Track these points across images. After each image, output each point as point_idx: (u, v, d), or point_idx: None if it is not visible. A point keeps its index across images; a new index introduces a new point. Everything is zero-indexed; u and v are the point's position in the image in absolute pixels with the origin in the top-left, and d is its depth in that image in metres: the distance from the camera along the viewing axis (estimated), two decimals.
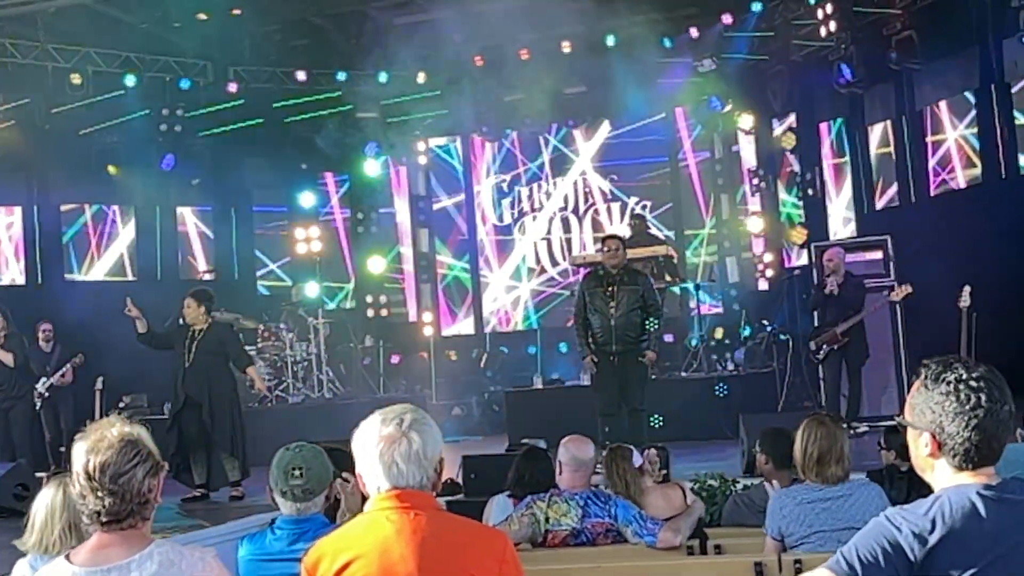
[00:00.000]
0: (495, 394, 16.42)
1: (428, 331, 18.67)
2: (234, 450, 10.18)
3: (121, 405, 14.34)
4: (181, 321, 10.89)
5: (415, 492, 3.01)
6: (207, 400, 10.14)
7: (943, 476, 2.70)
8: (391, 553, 2.91)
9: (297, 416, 13.98)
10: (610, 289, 10.08)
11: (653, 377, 13.22)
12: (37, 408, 12.64)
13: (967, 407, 2.62)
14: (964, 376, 2.65)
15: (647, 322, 10.09)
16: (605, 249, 10.37)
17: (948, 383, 2.66)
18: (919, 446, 2.75)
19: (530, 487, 6.02)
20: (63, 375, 13.10)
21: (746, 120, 16.62)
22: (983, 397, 2.62)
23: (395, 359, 17.95)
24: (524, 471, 6.29)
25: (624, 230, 16.89)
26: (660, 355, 14.34)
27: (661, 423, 11.55)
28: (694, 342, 14.60)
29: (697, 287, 14.95)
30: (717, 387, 12.94)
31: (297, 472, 4.13)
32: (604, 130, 18.37)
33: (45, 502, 4.49)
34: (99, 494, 3.04)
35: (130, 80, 15.49)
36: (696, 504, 5.87)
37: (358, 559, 2.93)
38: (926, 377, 2.73)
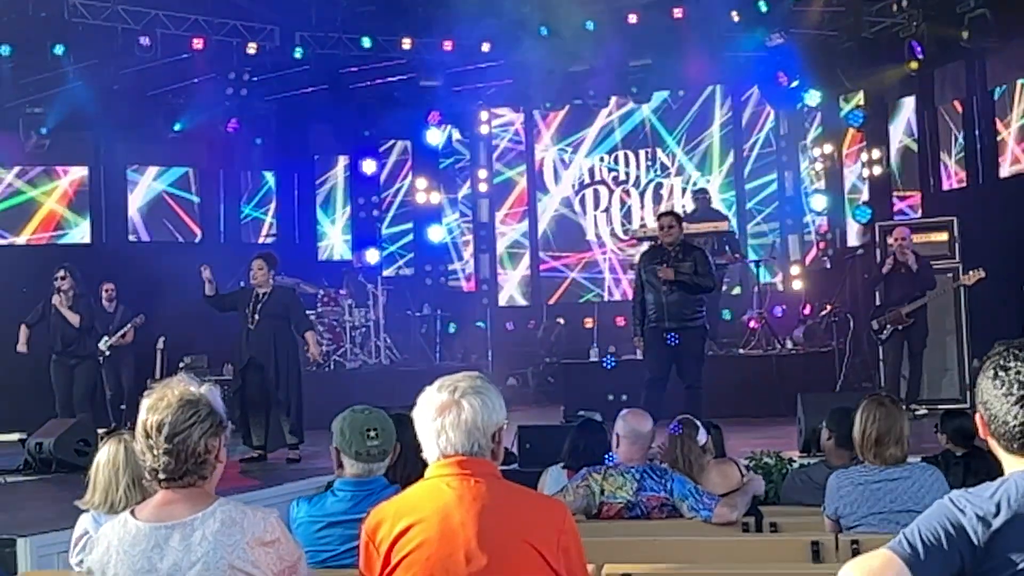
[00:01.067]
0: (551, 365, 16.46)
1: (485, 300, 18.72)
2: (292, 413, 10.28)
3: (181, 365, 14.52)
4: (242, 284, 11.00)
5: (476, 459, 3.03)
6: (270, 362, 10.23)
7: (1005, 459, 2.69)
8: (451, 519, 2.94)
9: (355, 382, 14.09)
10: (664, 266, 10.01)
11: (710, 354, 13.24)
12: (99, 367, 12.82)
13: (1003, 391, 2.62)
14: (1010, 363, 2.65)
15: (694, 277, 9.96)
16: (660, 226, 10.34)
17: (995, 367, 2.67)
18: (978, 426, 2.75)
19: (585, 459, 6.06)
20: (124, 335, 13.29)
21: (813, 96, 16.42)
22: (1019, 385, 2.61)
23: (452, 328, 18.01)
24: (579, 443, 6.34)
25: (688, 204, 16.83)
26: (719, 332, 14.37)
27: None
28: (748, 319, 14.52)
29: (757, 264, 14.84)
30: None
31: (373, 433, 4.16)
32: (669, 103, 18.24)
33: (106, 459, 4.57)
34: (155, 452, 3.09)
35: (198, 43, 15.59)
36: (753, 480, 5.86)
37: (418, 524, 2.96)
38: (986, 358, 2.74)
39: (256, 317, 10.25)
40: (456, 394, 3.04)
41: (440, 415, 3.03)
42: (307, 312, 11.69)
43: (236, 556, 3.06)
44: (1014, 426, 2.62)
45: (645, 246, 11.93)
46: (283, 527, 3.22)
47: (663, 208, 17.98)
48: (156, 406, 3.12)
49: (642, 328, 10.18)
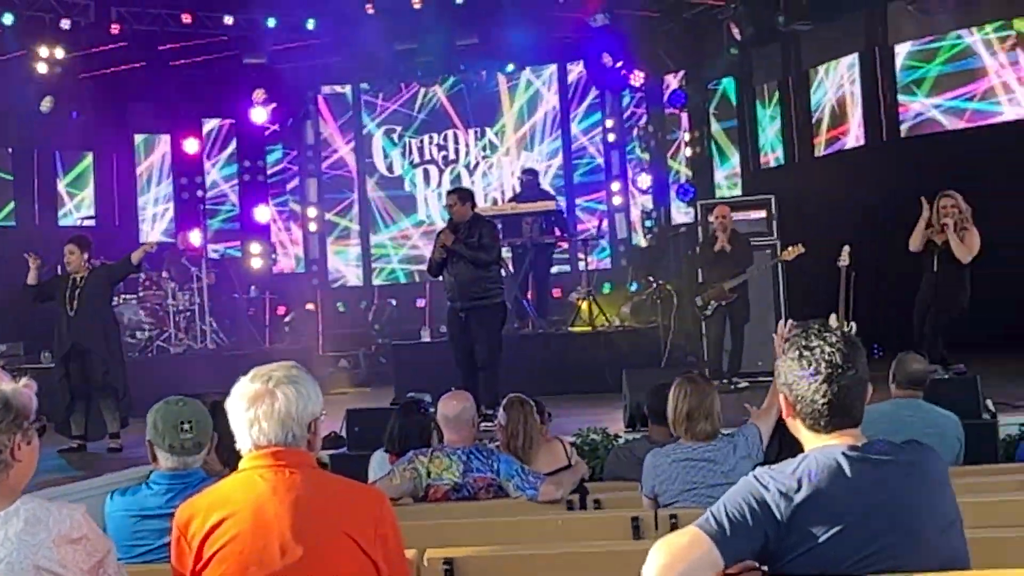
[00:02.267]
0: (382, 347, 16.39)
1: (315, 282, 18.54)
2: (119, 399, 9.99)
3: None
4: (59, 270, 10.63)
5: (291, 450, 2.99)
6: (92, 348, 9.93)
7: (806, 437, 2.80)
8: (265, 511, 2.89)
9: (179, 367, 13.78)
10: (447, 233, 9.97)
11: (540, 331, 13.38)
12: None
13: (810, 371, 2.73)
14: (813, 342, 2.76)
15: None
16: (446, 204, 10.25)
17: (798, 348, 2.77)
18: (781, 407, 2.84)
19: (402, 442, 6.02)
20: None
21: (637, 77, 16.70)
22: (825, 363, 2.72)
23: (281, 310, 17.77)
24: (397, 427, 6.28)
25: (516, 184, 16.94)
26: (549, 310, 14.53)
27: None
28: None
29: (584, 242, 15.06)
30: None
31: (187, 426, 4.06)
32: (496, 82, 18.32)
33: None
34: None
35: (7, 19, 14.96)
36: (580, 465, 5.93)
37: (231, 517, 2.90)
38: (786, 341, 2.83)
39: (75, 303, 9.91)
40: (270, 383, 3.00)
41: (253, 405, 2.98)
42: (126, 296, 11.29)
43: (41, 556, 2.96)
44: (821, 404, 2.72)
45: None
46: (90, 522, 3.12)
47: (493, 187, 18.13)
48: None
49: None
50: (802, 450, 2.80)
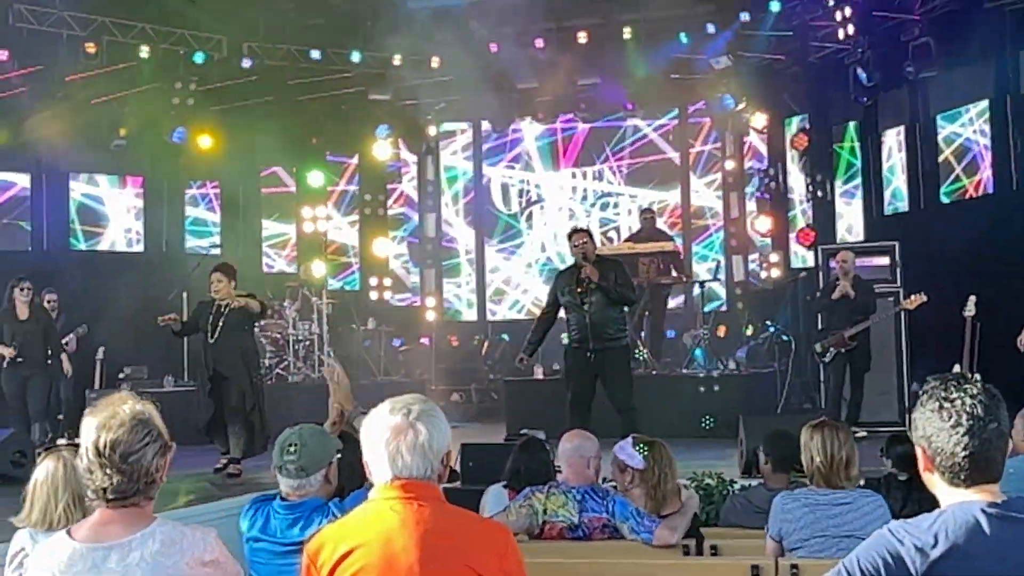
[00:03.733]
0: (495, 382, 16.46)
1: (431, 316, 18.71)
2: (252, 425, 10.17)
3: (121, 376, 14.39)
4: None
5: (420, 483, 3.02)
6: (230, 375, 10.17)
7: (943, 491, 2.73)
8: (393, 543, 2.92)
9: (297, 396, 13.99)
10: (583, 285, 9.73)
11: (654, 373, 13.29)
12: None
13: (950, 424, 2.66)
14: (953, 394, 2.69)
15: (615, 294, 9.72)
16: (572, 244, 9.89)
17: (937, 400, 2.70)
18: (918, 460, 2.78)
19: (526, 479, 6.02)
20: (67, 344, 13.10)
21: (759, 119, 16.60)
22: (967, 416, 2.65)
23: (396, 343, 17.97)
24: (520, 463, 6.29)
25: (633, 224, 16.93)
26: (663, 350, 14.43)
27: (713, 424, 11.61)
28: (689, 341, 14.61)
29: (702, 284, 14.96)
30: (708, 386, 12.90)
31: (292, 448, 4.15)
32: (616, 123, 18.35)
33: (45, 477, 4.49)
34: (108, 471, 3.05)
35: (144, 51, 15.47)
36: (691, 500, 5.84)
37: (360, 547, 2.94)
38: (923, 392, 2.77)
39: (217, 331, 10.15)
40: (410, 416, 3.03)
41: (396, 437, 3.01)
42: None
43: None
44: (962, 457, 2.65)
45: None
46: (222, 546, 3.20)
47: (609, 226, 18.13)
48: (108, 425, 3.08)
49: (534, 347, 10.18)
50: (933, 506, 2.74)
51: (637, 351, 13.39)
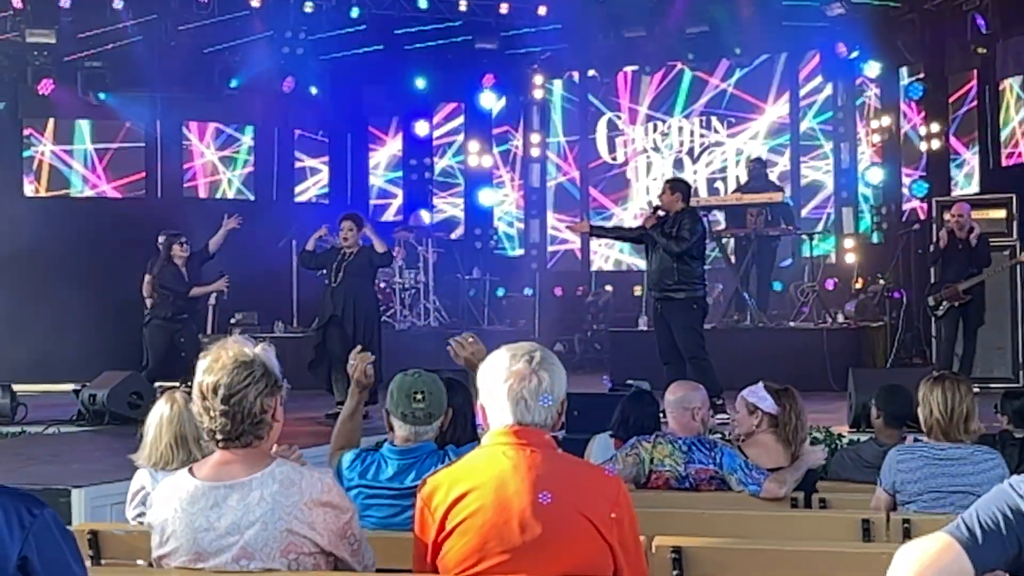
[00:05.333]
0: (598, 332, 16.47)
1: (534, 266, 18.73)
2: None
3: (232, 322, 14.70)
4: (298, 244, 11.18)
5: (532, 429, 3.04)
6: (350, 320, 10.52)
7: None
8: (506, 487, 2.95)
9: (404, 343, 14.14)
10: (650, 214, 10.12)
11: (760, 325, 13.16)
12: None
13: None
14: None
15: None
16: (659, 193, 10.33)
17: None
18: None
19: (634, 430, 6.02)
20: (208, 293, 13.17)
21: (872, 68, 16.21)
22: None
23: (500, 292, 18.05)
24: (629, 413, 6.30)
25: (742, 174, 16.74)
26: (770, 303, 14.27)
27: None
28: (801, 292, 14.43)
29: (811, 236, 14.74)
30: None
31: (419, 396, 4.14)
32: (725, 71, 18.07)
33: (154, 417, 4.66)
34: (212, 413, 3.12)
35: (255, 1, 15.64)
36: (808, 455, 5.74)
37: (473, 491, 2.98)
38: None
39: (340, 275, 10.57)
40: (532, 363, 3.06)
41: (520, 383, 3.04)
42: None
43: (294, 517, 3.10)
44: None
45: None
46: (339, 488, 3.26)
47: (719, 176, 17.93)
48: (211, 367, 3.15)
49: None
50: None
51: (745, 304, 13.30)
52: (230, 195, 17.15)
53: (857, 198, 17.19)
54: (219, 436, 3.15)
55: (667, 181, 10.51)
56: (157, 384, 10.93)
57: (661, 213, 10.03)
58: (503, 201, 19.32)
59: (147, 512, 3.50)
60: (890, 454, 5.12)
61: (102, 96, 15.72)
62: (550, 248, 19.22)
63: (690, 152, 18.39)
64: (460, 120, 19.01)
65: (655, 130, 18.62)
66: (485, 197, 18.84)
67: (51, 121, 16.31)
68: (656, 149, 18.59)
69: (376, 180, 18.67)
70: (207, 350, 3.26)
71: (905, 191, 16.02)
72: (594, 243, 18.48)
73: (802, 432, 5.74)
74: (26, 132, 16.27)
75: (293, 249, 14.03)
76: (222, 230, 11.66)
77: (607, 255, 18.75)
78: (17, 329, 14.69)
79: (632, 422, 6.17)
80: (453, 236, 18.58)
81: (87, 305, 14.56)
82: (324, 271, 10.91)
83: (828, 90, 17.49)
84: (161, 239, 11.80)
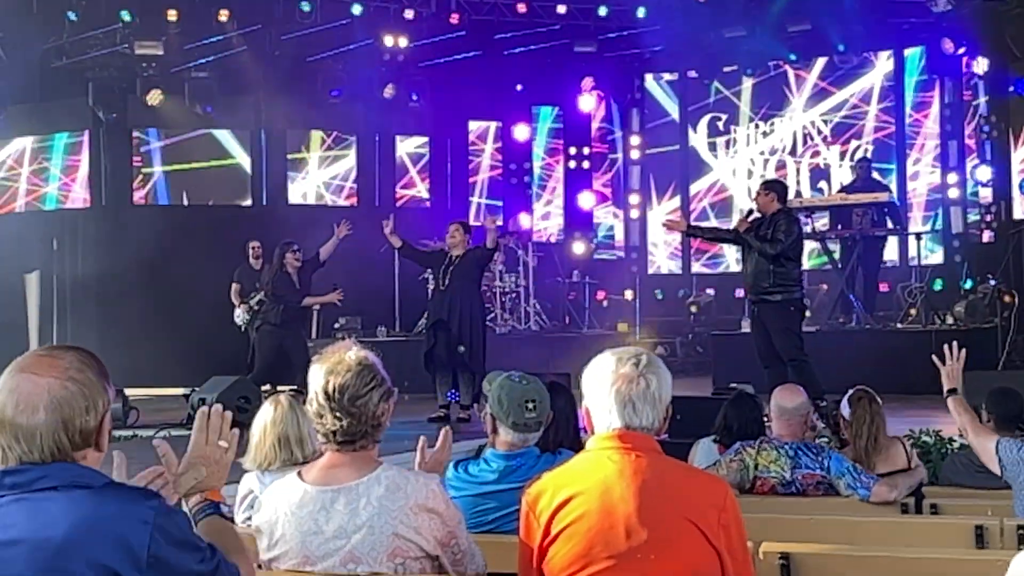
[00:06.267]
0: (700, 335, 16.34)
1: (634, 269, 18.64)
2: (473, 375, 10.56)
3: (336, 326, 14.89)
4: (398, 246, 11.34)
5: (637, 434, 3.02)
6: (455, 322, 10.64)
7: None
8: (611, 492, 2.94)
9: (505, 347, 14.13)
10: (744, 219, 10.19)
11: (867, 327, 12.93)
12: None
13: None
14: None
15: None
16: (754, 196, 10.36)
17: None
18: None
19: (738, 435, 5.98)
20: (320, 305, 13.38)
21: (980, 64, 15.83)
22: None
23: (600, 295, 17.99)
24: (732, 418, 6.24)
25: (846, 175, 16.50)
26: (877, 304, 14.00)
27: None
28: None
29: (918, 236, 14.45)
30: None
31: (531, 405, 4.13)
32: (827, 70, 17.80)
33: (260, 419, 4.75)
34: (337, 415, 3.17)
35: (356, 9, 15.82)
36: (919, 470, 5.69)
37: (578, 495, 2.97)
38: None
39: (447, 279, 10.71)
40: (640, 366, 3.05)
41: (628, 386, 3.03)
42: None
43: (400, 521, 3.13)
44: None
45: None
46: (444, 493, 3.27)
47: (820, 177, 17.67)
48: (336, 370, 3.20)
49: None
50: None
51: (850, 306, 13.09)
52: (329, 201, 17.35)
53: (965, 197, 16.80)
54: (340, 437, 3.20)
55: (763, 182, 10.55)
56: (264, 388, 11.19)
57: (756, 215, 10.01)
58: (602, 204, 19.26)
59: (255, 515, 3.55)
60: (1008, 452, 4.96)
61: (208, 108, 16.03)
62: (650, 251, 19.12)
63: (792, 152, 18.15)
64: (559, 124, 19.00)
65: (756, 130, 18.42)
66: (584, 200, 18.79)
67: (158, 132, 16.67)
68: (758, 150, 18.38)
69: (476, 184, 18.74)
70: (320, 354, 3.31)
71: (1015, 189, 15.61)
72: (655, 247, 18.44)
73: (872, 440, 5.67)
74: (135, 141, 16.64)
75: (395, 255, 14.16)
76: (333, 238, 11.90)
77: (659, 263, 18.71)
78: (131, 335, 15.02)
79: (735, 427, 6.11)
80: (552, 239, 18.58)
81: (195, 312, 14.89)
82: (430, 273, 11.13)
83: (935, 87, 17.13)
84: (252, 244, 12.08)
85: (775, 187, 10.27)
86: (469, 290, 10.83)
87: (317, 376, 3.23)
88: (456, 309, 10.66)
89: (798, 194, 17.11)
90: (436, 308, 10.85)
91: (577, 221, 18.77)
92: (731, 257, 17.69)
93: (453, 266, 10.72)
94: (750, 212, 10.15)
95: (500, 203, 18.53)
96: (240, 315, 13.21)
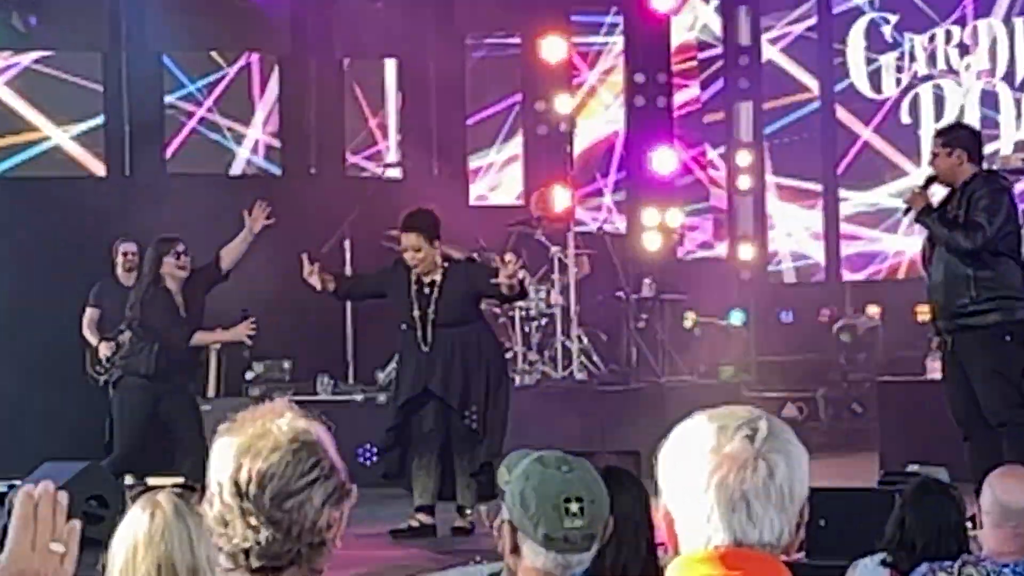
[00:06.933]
0: (857, 385, 16.35)
1: (745, 275, 18.67)
2: (484, 464, 10.52)
3: (249, 378, 14.83)
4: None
5: (755, 553, 2.96)
6: (460, 384, 10.74)
7: None
8: None
9: (532, 408, 13.78)
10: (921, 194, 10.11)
11: None
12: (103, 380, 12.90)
13: None
14: None
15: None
16: (931, 150, 10.33)
17: None
18: None
19: (923, 552, 6.01)
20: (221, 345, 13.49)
21: None
22: None
23: (687, 319, 17.93)
24: (913, 524, 6.23)
25: None
26: None
27: None
28: None
29: None
30: None
31: (577, 507, 4.01)
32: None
33: (127, 537, 4.71)
34: (253, 521, 3.13)
35: None
36: None
37: None
38: None
39: (428, 331, 10.74)
40: (756, 442, 2.95)
41: (737, 475, 2.95)
42: None
43: None
44: None
45: None
46: None
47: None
48: (256, 448, 3.16)
49: None
50: None
51: None
52: (237, 170, 17.52)
53: None
54: (256, 559, 3.17)
55: (937, 132, 10.55)
56: (129, 481, 11.20)
57: (938, 188, 9.96)
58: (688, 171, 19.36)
59: None
60: None
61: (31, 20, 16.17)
62: (772, 242, 19.16)
63: (1007, 77, 18.15)
64: (616, 36, 19.10)
65: (948, 42, 18.43)
66: (660, 161, 18.76)
67: None
68: (952, 71, 18.41)
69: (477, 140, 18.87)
70: (228, 422, 3.28)
71: None
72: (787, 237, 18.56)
73: None
74: None
75: (347, 250, 14.22)
76: (243, 233, 11.76)
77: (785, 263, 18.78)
78: None
79: (919, 538, 6.09)
80: (607, 228, 18.48)
81: (16, 355, 14.93)
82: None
83: None
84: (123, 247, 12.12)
85: (961, 138, 10.19)
86: (470, 332, 10.90)
87: (223, 458, 3.19)
88: (453, 370, 10.72)
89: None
90: (415, 370, 10.90)
91: (649, 196, 18.74)
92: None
93: (430, 303, 10.71)
94: (928, 181, 10.11)
95: (519, 168, 18.58)
96: (100, 360, 13.24)
